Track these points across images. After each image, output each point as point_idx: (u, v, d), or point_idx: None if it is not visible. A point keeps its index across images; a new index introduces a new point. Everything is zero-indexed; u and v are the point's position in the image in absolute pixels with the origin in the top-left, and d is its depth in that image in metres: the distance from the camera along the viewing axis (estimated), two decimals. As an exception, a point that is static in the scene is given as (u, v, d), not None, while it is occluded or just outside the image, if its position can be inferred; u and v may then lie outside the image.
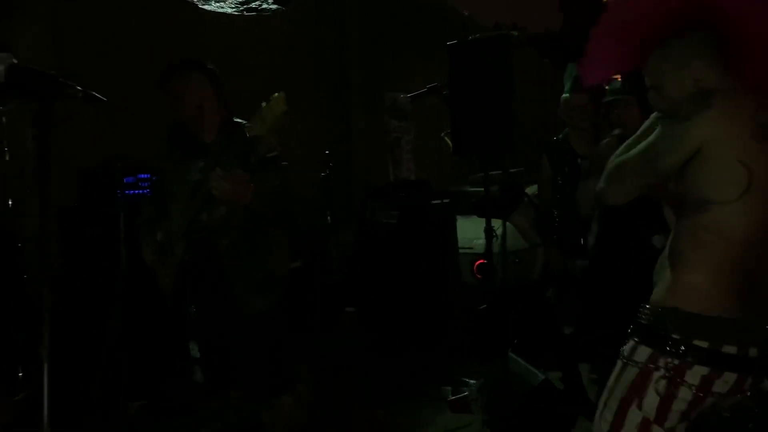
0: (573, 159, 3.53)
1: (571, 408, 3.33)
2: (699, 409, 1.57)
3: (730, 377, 1.54)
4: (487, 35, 3.58)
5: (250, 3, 4.49)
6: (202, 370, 2.70)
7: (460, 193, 5.48)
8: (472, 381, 3.93)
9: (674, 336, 1.56)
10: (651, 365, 1.57)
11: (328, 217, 5.16)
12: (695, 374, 1.54)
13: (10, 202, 3.68)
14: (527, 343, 4.02)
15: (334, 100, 6.86)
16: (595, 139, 3.45)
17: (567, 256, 3.61)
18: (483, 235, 3.63)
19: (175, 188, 2.67)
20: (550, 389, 3.32)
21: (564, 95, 3.55)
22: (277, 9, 4.68)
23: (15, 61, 1.54)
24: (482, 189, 3.70)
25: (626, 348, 1.66)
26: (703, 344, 1.54)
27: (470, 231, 4.86)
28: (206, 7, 4.56)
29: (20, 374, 3.42)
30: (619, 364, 1.66)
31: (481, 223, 3.69)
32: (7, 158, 3.69)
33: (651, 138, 1.66)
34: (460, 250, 4.93)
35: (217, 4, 4.53)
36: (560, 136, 3.69)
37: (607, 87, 3.37)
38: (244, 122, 2.41)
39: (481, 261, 4.84)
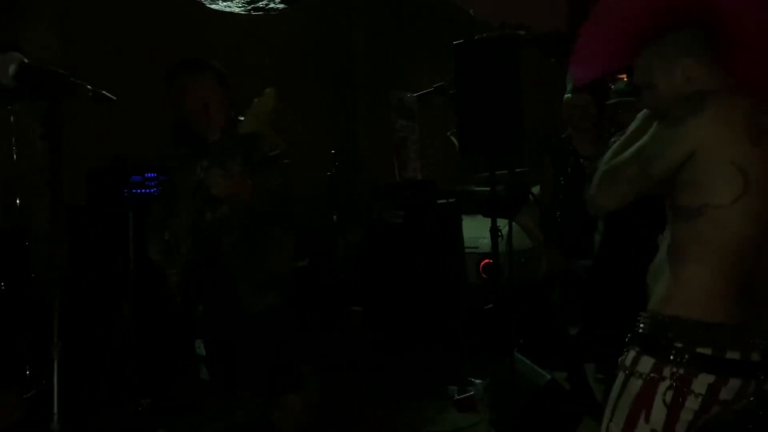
0: (575, 159, 3.53)
1: (577, 408, 3.32)
2: (705, 417, 1.55)
3: (735, 383, 1.53)
4: (495, 34, 3.58)
5: (257, 2, 4.50)
6: (207, 368, 2.71)
7: (466, 192, 5.47)
8: (478, 380, 3.93)
9: (677, 345, 1.53)
10: (656, 376, 1.54)
11: (334, 217, 5.17)
12: (702, 383, 1.52)
13: (18, 201, 3.70)
14: (533, 342, 4.02)
15: (340, 100, 6.86)
16: (597, 139, 3.45)
17: (570, 256, 3.61)
18: (489, 234, 3.63)
19: (181, 187, 2.68)
20: (556, 389, 3.32)
21: (566, 95, 3.55)
22: (284, 8, 4.69)
23: (26, 60, 1.55)
24: (488, 188, 3.70)
25: (627, 358, 1.63)
26: (707, 351, 1.52)
27: (476, 230, 4.86)
28: (213, 6, 4.57)
29: (28, 372, 3.44)
30: (621, 375, 1.63)
31: (486, 222, 3.69)
32: (15, 157, 3.71)
33: (643, 141, 1.62)
34: (466, 250, 4.93)
35: (224, 3, 4.55)
36: (562, 136, 3.69)
37: (612, 87, 3.37)
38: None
39: (487, 261, 4.83)
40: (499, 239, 3.62)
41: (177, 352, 3.67)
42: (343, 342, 4.89)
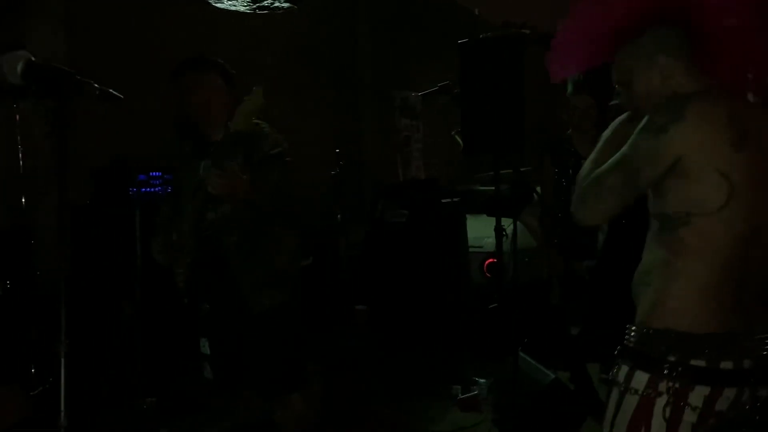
0: (576, 160, 3.52)
1: (580, 408, 3.32)
2: (703, 429, 1.53)
3: (730, 393, 1.51)
4: (499, 34, 3.58)
5: (262, 1, 4.50)
6: (212, 367, 2.71)
7: (470, 191, 5.47)
8: (481, 380, 3.93)
9: (670, 358, 1.51)
10: (652, 392, 1.52)
11: (338, 216, 5.17)
12: (698, 396, 1.50)
13: (23, 200, 3.71)
14: (537, 342, 4.02)
15: (344, 99, 6.86)
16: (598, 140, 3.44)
17: (572, 257, 3.60)
18: (493, 234, 3.63)
19: (185, 187, 2.69)
20: (560, 389, 3.31)
21: (569, 93, 3.55)
22: (290, 7, 4.69)
23: (33, 58, 1.55)
24: (492, 188, 3.70)
25: (620, 374, 1.60)
26: (701, 363, 1.50)
27: (480, 230, 4.86)
28: (219, 5, 4.57)
29: (33, 370, 3.45)
30: (616, 392, 1.60)
31: (491, 222, 3.69)
32: (20, 156, 3.72)
33: (626, 152, 1.58)
34: (470, 249, 4.93)
35: (230, 2, 4.55)
36: (563, 136, 3.68)
37: (615, 87, 3.36)
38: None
39: (491, 260, 4.83)
40: (504, 238, 3.62)
41: (182, 351, 3.68)
42: (347, 341, 4.89)
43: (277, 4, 4.53)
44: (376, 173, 6.81)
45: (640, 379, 1.55)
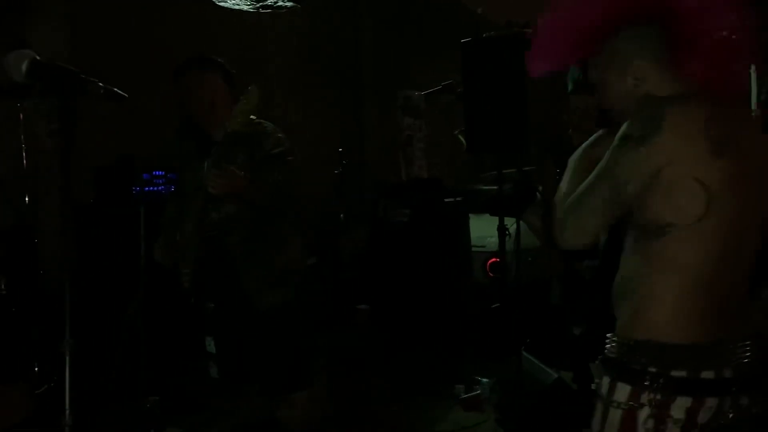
0: None
1: (584, 408, 3.31)
2: None
3: (712, 403, 1.49)
4: (503, 33, 3.57)
5: (265, 0, 4.50)
6: (217, 365, 2.72)
7: (473, 191, 5.47)
8: (484, 379, 3.93)
9: (651, 369, 1.49)
10: (634, 404, 1.50)
11: (341, 215, 5.18)
12: (680, 408, 1.48)
13: (26, 199, 3.71)
14: (540, 342, 4.01)
15: (347, 98, 6.87)
16: None
17: (573, 257, 3.60)
18: (496, 233, 3.63)
19: (187, 187, 2.69)
20: (563, 388, 3.31)
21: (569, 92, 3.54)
22: (293, 6, 4.69)
23: (38, 57, 1.55)
24: (495, 187, 3.70)
25: (603, 387, 1.58)
26: (682, 374, 1.48)
27: (483, 229, 4.85)
28: (222, 4, 4.57)
29: (36, 369, 3.45)
30: (600, 406, 1.57)
31: (493, 221, 3.69)
32: (24, 155, 3.72)
33: (604, 167, 1.52)
34: (473, 249, 4.93)
35: (233, 1, 4.55)
36: (564, 136, 3.67)
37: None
38: (253, 119, 2.44)
39: (494, 259, 4.83)
40: (507, 238, 3.61)
41: (185, 350, 3.68)
42: (350, 340, 4.89)
43: (280, 2, 4.52)
44: (379, 173, 6.81)
45: (622, 391, 1.53)
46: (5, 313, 3.52)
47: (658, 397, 1.48)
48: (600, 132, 1.82)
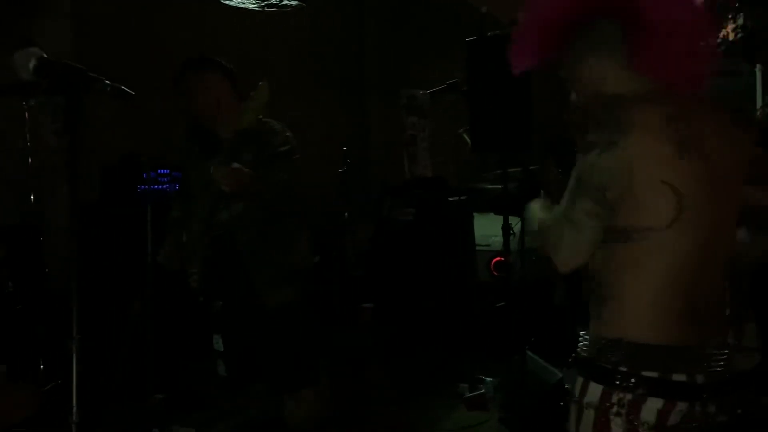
0: None
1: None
2: None
3: (682, 406, 1.47)
4: (507, 32, 3.56)
5: (270, -2, 4.52)
6: (225, 363, 2.73)
7: (477, 190, 5.47)
8: (488, 378, 3.93)
9: (622, 369, 1.47)
10: (606, 404, 1.48)
11: (345, 214, 5.18)
12: (650, 410, 1.46)
13: (32, 198, 3.72)
14: (544, 341, 4.01)
15: (351, 97, 6.87)
16: None
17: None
18: (500, 232, 3.63)
19: (195, 187, 2.70)
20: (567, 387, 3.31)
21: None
22: (298, 5, 4.70)
23: (45, 55, 1.56)
24: (499, 186, 3.70)
25: (576, 388, 1.56)
26: (653, 375, 1.46)
27: (487, 228, 4.85)
28: (227, 2, 4.58)
29: (42, 366, 3.46)
30: (574, 408, 1.56)
31: (498, 220, 3.68)
32: (30, 154, 3.73)
33: (580, 181, 1.48)
34: (477, 248, 4.92)
35: (239, -1, 4.57)
36: (565, 137, 3.66)
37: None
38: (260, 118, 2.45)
39: (499, 258, 4.83)
40: (511, 237, 3.61)
41: (191, 348, 3.69)
42: (354, 339, 4.90)
43: (285, 1, 4.53)
44: (383, 172, 6.81)
45: (594, 391, 1.52)
46: (11, 311, 3.53)
47: (629, 396, 1.47)
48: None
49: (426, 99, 6.30)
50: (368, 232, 5.41)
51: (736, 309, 1.62)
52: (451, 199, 5.03)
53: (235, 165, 2.38)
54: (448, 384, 4.09)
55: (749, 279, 1.87)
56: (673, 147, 1.43)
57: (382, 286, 5.10)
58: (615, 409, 1.48)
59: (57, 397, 3.28)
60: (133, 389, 3.60)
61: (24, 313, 3.58)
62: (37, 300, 3.65)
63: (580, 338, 1.59)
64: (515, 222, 3.72)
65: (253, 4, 4.59)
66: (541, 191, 4.10)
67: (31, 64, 1.52)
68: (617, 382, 1.48)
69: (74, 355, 1.58)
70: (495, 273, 4.94)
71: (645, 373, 1.46)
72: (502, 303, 4.45)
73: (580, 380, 1.56)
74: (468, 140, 3.60)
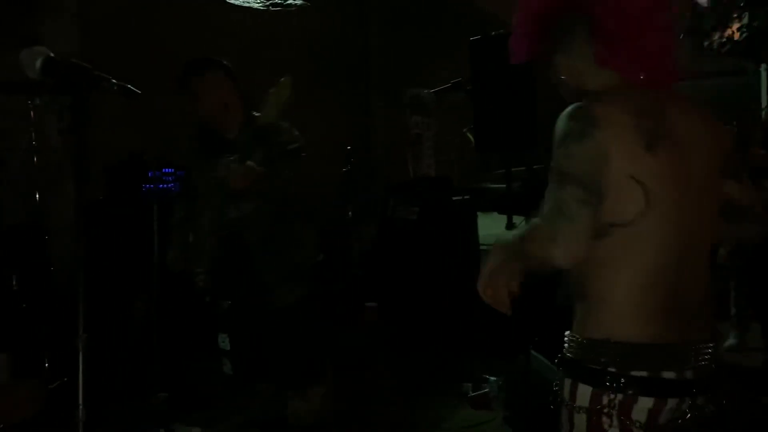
0: None
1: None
2: None
3: (672, 403, 1.46)
4: (511, 31, 3.56)
5: (274, -2, 4.53)
6: (231, 362, 2.73)
7: (481, 189, 5.47)
8: (492, 377, 3.93)
9: (611, 369, 1.46)
10: (597, 406, 1.47)
11: (349, 213, 5.18)
12: (641, 410, 1.45)
13: (37, 196, 3.74)
14: (549, 340, 4.00)
15: (355, 96, 6.87)
16: None
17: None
18: (505, 231, 3.62)
19: (202, 187, 2.70)
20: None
21: None
22: (302, 4, 4.71)
23: (51, 54, 1.56)
24: (503, 185, 3.69)
25: (565, 390, 1.53)
26: (643, 374, 1.45)
27: (492, 227, 4.85)
28: (233, 1, 4.59)
29: (47, 364, 3.47)
30: (565, 412, 1.53)
31: (502, 219, 3.68)
32: (35, 153, 3.74)
33: (562, 174, 1.44)
34: (481, 247, 4.92)
35: (244, -2, 4.58)
36: None
37: None
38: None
39: (502, 258, 4.81)
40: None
41: (195, 346, 3.70)
42: (358, 338, 4.90)
43: (290, 1, 4.54)
44: (387, 171, 6.81)
45: (584, 393, 1.50)
46: (16, 309, 3.54)
47: (620, 397, 1.45)
48: None
49: (431, 98, 6.30)
50: (372, 231, 5.41)
51: (740, 309, 1.61)
52: (455, 198, 5.03)
53: (250, 163, 2.38)
54: (452, 383, 4.09)
55: (749, 279, 1.87)
56: (642, 141, 1.41)
57: (385, 285, 5.10)
58: (607, 410, 1.46)
59: (62, 394, 3.30)
60: (137, 388, 3.61)
61: (29, 311, 3.59)
62: (42, 298, 3.66)
63: (566, 339, 1.56)
64: (519, 221, 3.71)
65: (258, 3, 4.60)
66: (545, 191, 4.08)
67: (38, 63, 1.53)
68: (607, 384, 1.46)
69: (80, 353, 1.58)
70: (499, 272, 4.92)
71: (634, 373, 1.45)
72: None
73: (568, 382, 1.53)
74: (472, 139, 3.60)
